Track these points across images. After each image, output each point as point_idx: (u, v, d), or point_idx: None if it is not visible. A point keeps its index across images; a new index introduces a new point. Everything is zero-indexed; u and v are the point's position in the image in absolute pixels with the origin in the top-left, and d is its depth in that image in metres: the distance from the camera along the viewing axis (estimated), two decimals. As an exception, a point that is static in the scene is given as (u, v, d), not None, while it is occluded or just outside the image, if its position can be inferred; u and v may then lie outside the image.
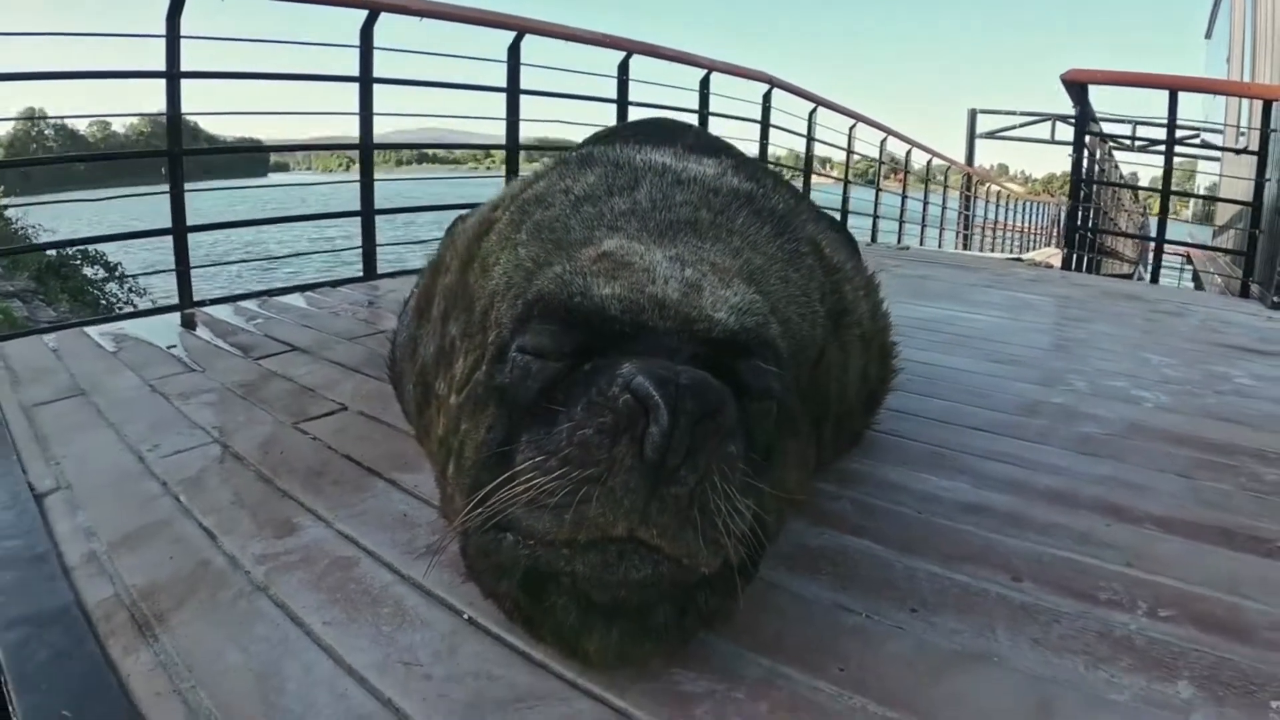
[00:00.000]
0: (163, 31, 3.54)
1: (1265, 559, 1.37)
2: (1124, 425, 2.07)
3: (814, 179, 7.76)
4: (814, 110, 7.74)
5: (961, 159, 18.55)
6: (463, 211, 1.89)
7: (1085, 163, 5.90)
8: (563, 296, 1.03)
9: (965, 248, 13.65)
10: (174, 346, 2.81)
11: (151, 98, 3.69)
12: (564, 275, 1.05)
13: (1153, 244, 5.75)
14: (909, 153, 10.21)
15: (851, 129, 8.56)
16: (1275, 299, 4.29)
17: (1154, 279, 6.00)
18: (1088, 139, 5.74)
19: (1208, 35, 20.23)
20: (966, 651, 1.07)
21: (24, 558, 1.40)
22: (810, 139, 7.67)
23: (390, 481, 1.62)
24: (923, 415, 2.05)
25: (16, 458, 1.84)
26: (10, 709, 1.04)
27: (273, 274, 11.64)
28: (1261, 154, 5.14)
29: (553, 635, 1.01)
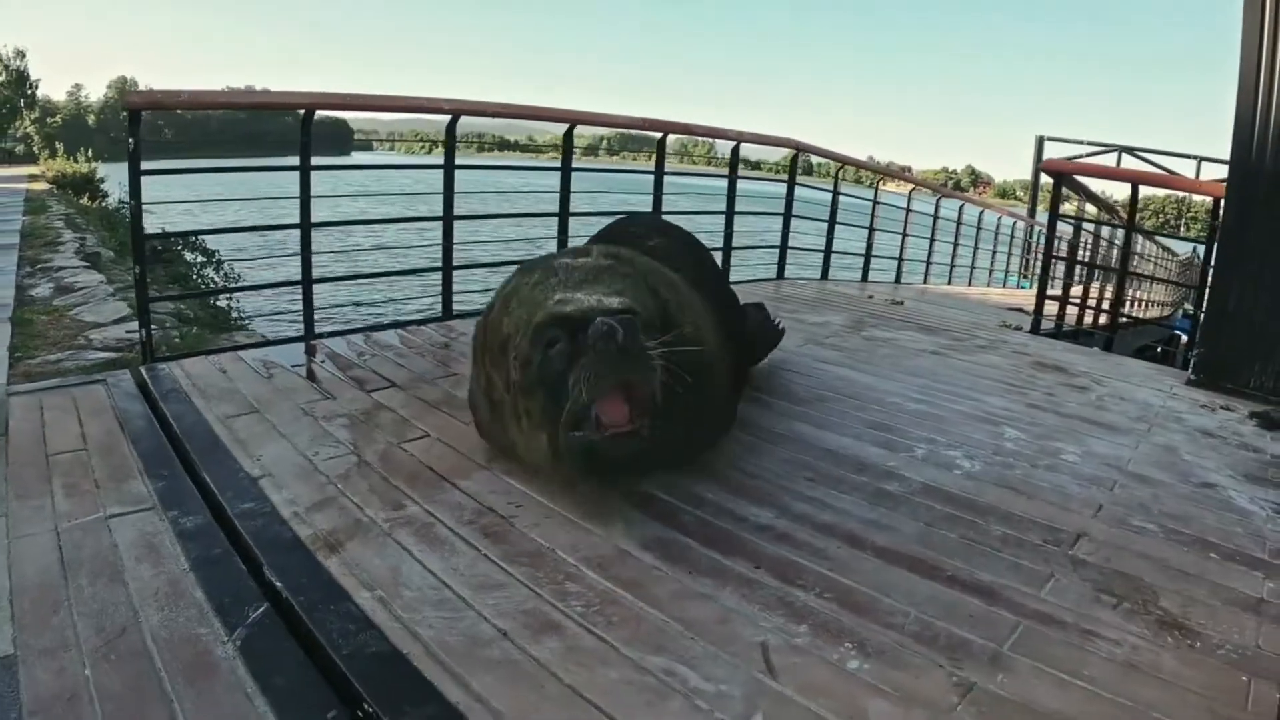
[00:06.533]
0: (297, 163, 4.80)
1: (923, 579, 2.13)
2: (920, 486, 2.69)
3: (839, 225, 8.75)
4: (840, 168, 8.76)
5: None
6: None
7: (1057, 242, 6.82)
8: (554, 316, 2.38)
9: (1025, 274, 14.56)
10: (300, 367, 4.09)
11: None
12: (549, 310, 2.41)
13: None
14: (938, 200, 11.07)
15: (877, 182, 9.57)
16: (1192, 376, 4.73)
17: (1107, 346, 6.78)
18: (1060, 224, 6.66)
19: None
20: (704, 594, 2.22)
21: (260, 512, 2.66)
22: (836, 194, 8.67)
23: (453, 484, 2.84)
24: (781, 471, 3.03)
25: (230, 455, 3.08)
26: (271, 581, 2.30)
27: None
28: (1208, 244, 5.60)
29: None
